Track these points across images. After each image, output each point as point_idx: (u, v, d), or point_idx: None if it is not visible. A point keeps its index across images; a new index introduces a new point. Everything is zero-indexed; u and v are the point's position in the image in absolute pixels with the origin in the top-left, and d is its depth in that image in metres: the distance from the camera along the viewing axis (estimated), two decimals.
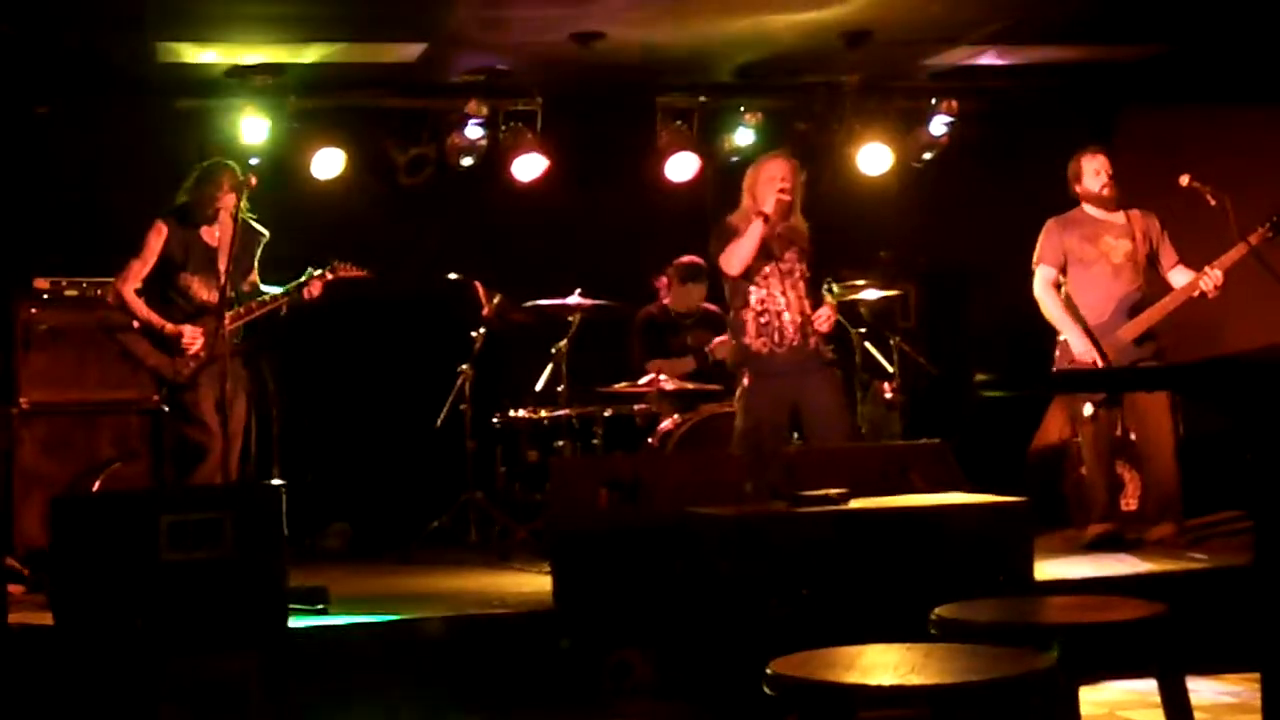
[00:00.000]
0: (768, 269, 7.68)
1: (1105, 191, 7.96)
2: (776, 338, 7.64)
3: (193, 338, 7.55)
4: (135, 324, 7.62)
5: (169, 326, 7.56)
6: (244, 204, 7.42)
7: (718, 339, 9.05)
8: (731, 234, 7.69)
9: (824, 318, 7.72)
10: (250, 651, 5.80)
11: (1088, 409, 7.97)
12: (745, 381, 7.72)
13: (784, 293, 7.67)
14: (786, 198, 7.63)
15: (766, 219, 7.57)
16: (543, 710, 6.15)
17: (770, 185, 7.65)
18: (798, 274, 7.73)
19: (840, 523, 5.68)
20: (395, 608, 6.60)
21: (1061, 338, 7.98)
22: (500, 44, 8.92)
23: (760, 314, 7.67)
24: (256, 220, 7.70)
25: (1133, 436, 8.24)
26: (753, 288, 7.69)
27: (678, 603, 6.00)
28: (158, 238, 7.60)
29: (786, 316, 7.66)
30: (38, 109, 9.13)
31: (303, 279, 7.81)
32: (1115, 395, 7.89)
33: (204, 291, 7.66)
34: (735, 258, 7.65)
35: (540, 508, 8.58)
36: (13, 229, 8.72)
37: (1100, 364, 7.76)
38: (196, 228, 7.69)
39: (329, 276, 7.90)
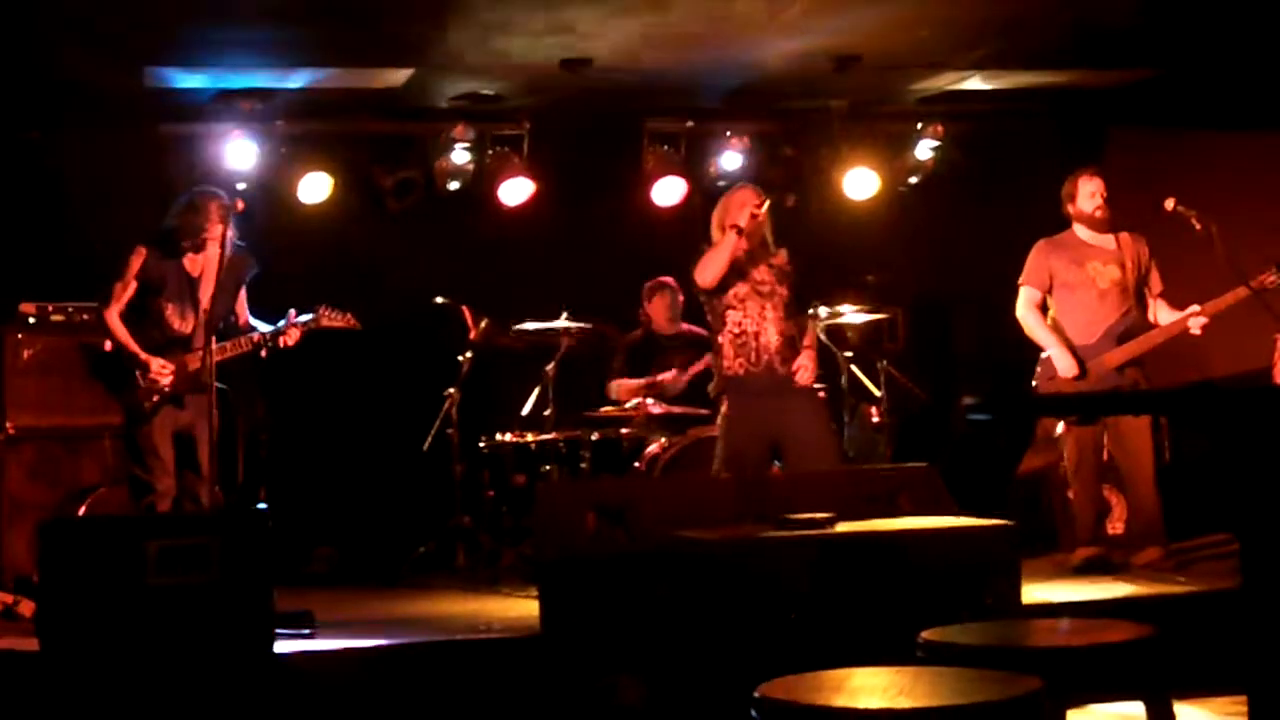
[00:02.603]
0: (744, 290, 7.68)
1: (1098, 214, 7.98)
2: (753, 358, 7.62)
3: (160, 371, 7.40)
4: (108, 345, 7.55)
5: (140, 355, 7.41)
6: (231, 234, 7.38)
7: (694, 366, 9.07)
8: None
9: (804, 369, 7.72)
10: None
11: (1060, 428, 8.01)
12: (724, 408, 7.73)
13: (762, 313, 7.67)
14: (760, 214, 7.61)
15: (740, 231, 7.56)
16: None
17: (742, 209, 7.64)
18: (777, 297, 7.72)
19: (827, 547, 5.67)
20: (382, 632, 6.58)
21: (1044, 355, 8.01)
22: (488, 69, 8.94)
23: (738, 336, 7.65)
24: (245, 248, 7.61)
25: (1114, 460, 8.25)
26: (730, 310, 7.68)
27: (666, 627, 5.99)
28: (137, 261, 7.47)
29: (763, 338, 7.63)
30: (27, 134, 9.13)
31: (280, 325, 7.63)
32: (1090, 416, 7.90)
33: (177, 320, 7.52)
34: (708, 269, 7.62)
35: (528, 532, 8.57)
36: (0, 254, 8.72)
37: (1078, 374, 7.80)
38: (178, 255, 7.54)
39: (310, 327, 7.71)
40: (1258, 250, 7.73)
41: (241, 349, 7.58)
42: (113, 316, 7.46)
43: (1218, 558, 7.88)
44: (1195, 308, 7.78)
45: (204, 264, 7.50)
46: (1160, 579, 7.43)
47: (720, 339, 7.73)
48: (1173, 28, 8.47)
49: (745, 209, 7.62)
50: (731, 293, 7.68)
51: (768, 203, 7.66)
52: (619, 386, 9.40)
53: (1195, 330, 7.78)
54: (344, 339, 8.75)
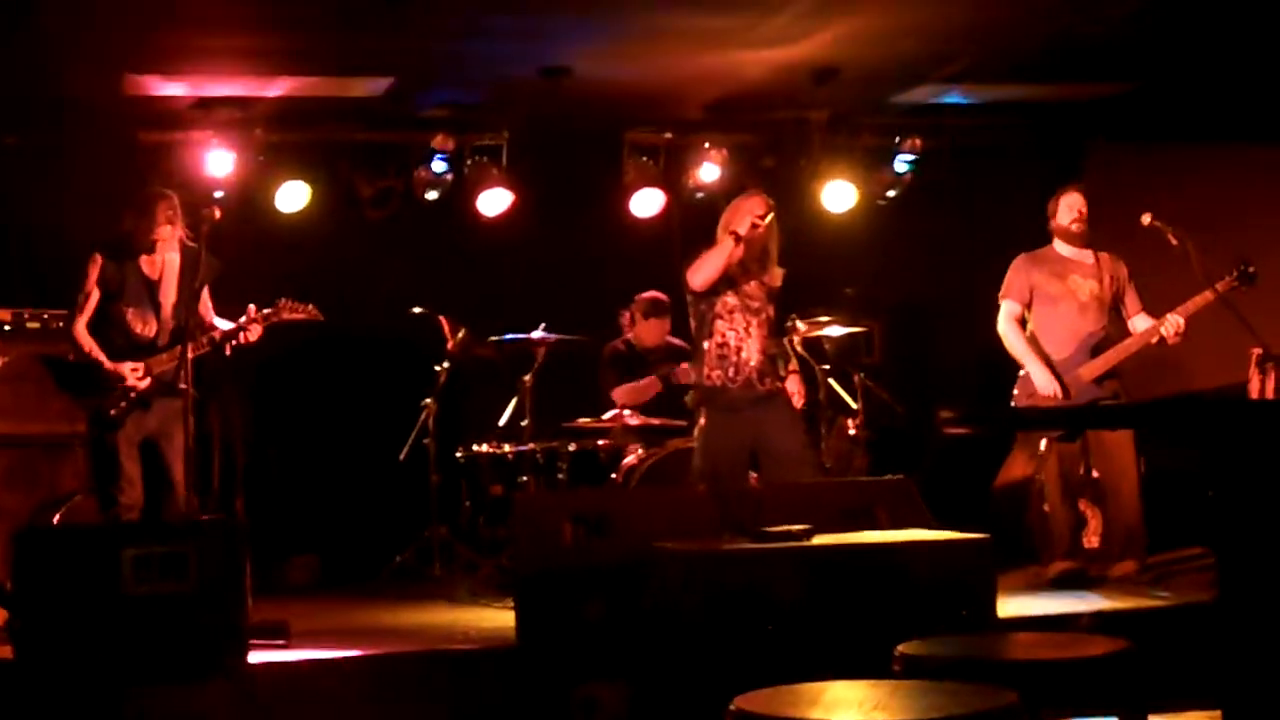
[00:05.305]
0: (733, 301, 7.65)
1: (1074, 228, 7.99)
2: (732, 372, 7.60)
3: (133, 375, 7.28)
4: (70, 357, 7.47)
5: (106, 364, 7.31)
6: (180, 232, 7.33)
7: (682, 365, 9.00)
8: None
9: (798, 395, 7.75)
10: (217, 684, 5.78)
11: (1043, 444, 8.01)
12: (702, 420, 7.71)
13: (747, 329, 7.65)
14: (762, 224, 7.60)
15: (739, 239, 7.55)
16: None
17: (747, 217, 7.62)
18: (764, 315, 7.70)
19: (804, 559, 5.68)
20: (358, 642, 6.57)
21: (1023, 372, 8.01)
22: (467, 79, 8.94)
23: (720, 346, 7.64)
24: (209, 251, 7.46)
25: (1096, 474, 8.25)
26: (718, 320, 7.65)
27: (643, 638, 5.98)
28: (94, 268, 7.39)
29: (744, 353, 7.61)
30: (4, 140, 9.10)
31: (240, 321, 7.47)
32: (1072, 432, 7.91)
33: (139, 324, 7.41)
34: (702, 271, 7.58)
35: (505, 542, 8.55)
36: None
37: (1062, 397, 7.81)
38: (134, 258, 7.44)
39: (271, 320, 7.54)
40: (1235, 264, 7.74)
41: (202, 349, 7.40)
42: (79, 329, 7.36)
43: (1194, 571, 7.89)
44: (1169, 315, 7.78)
45: (163, 266, 7.45)
46: (1137, 592, 7.45)
47: (703, 347, 7.70)
48: (1152, 41, 8.50)
49: (748, 217, 7.60)
50: (720, 301, 7.65)
51: (770, 215, 7.63)
52: (626, 391, 9.29)
53: (1169, 334, 7.76)
54: (322, 351, 8.75)
